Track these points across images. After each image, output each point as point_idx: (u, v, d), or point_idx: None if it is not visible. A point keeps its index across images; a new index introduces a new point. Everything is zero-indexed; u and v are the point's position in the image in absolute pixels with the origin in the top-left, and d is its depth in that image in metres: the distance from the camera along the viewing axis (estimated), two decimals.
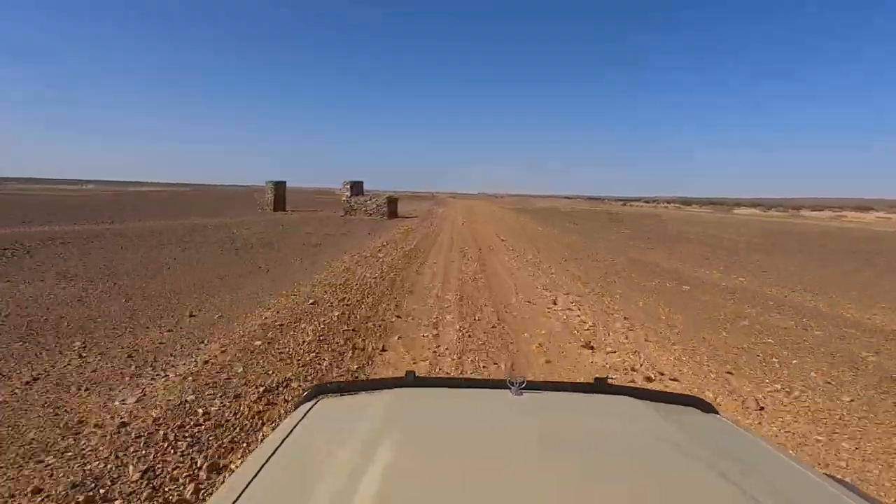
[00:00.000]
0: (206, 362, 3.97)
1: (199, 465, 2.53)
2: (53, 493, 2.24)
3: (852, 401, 3.68)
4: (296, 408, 1.05)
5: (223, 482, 0.82)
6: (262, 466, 0.75)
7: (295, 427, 0.90)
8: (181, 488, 2.34)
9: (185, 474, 2.44)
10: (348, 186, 25.61)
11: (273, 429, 0.97)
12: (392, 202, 24.99)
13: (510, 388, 1.01)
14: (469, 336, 5.00)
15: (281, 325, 5.15)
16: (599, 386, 1.09)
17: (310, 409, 1.00)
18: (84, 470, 2.42)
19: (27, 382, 3.44)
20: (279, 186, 27.93)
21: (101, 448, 2.62)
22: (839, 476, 1.52)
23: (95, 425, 2.87)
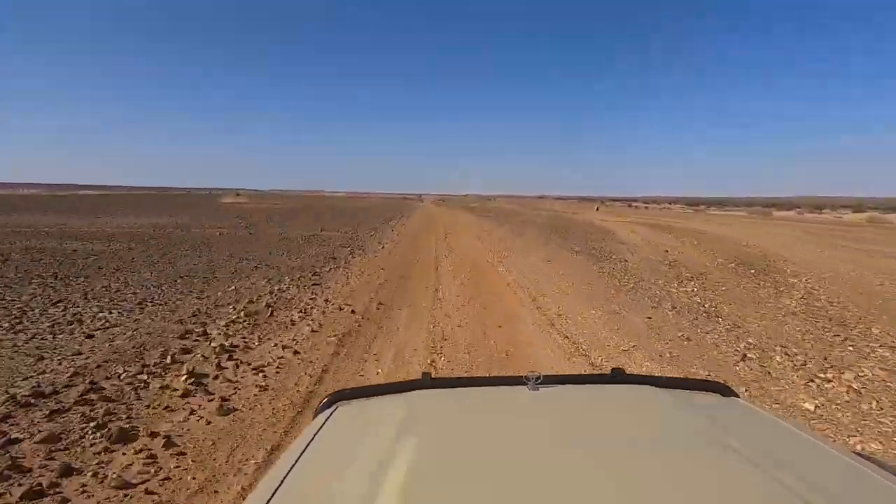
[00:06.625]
0: None
1: None
2: None
3: None
4: (315, 416, 1.04)
5: (249, 494, 0.81)
6: (286, 475, 0.74)
7: (316, 435, 0.90)
8: None
9: None
10: None
11: (294, 438, 0.97)
12: None
13: (527, 384, 0.99)
14: None
15: None
16: (617, 376, 1.07)
17: (329, 416, 1.00)
18: None
19: None
20: None
21: None
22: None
23: None
